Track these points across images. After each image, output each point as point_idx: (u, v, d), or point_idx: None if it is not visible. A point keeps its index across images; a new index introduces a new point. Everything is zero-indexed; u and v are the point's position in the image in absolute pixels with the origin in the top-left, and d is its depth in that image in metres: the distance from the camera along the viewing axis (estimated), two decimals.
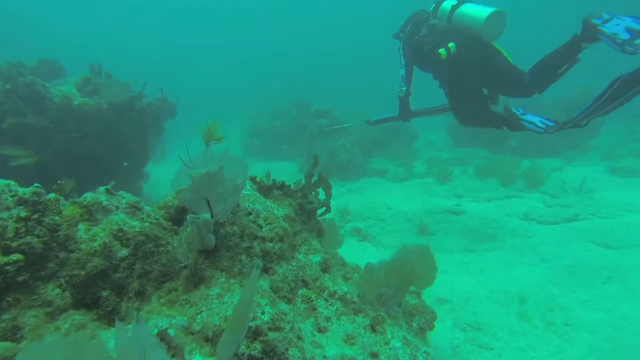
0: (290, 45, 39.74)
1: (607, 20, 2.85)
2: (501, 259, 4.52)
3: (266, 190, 2.73)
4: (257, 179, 2.73)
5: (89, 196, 2.14)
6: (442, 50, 3.82)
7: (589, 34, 2.97)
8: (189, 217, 2.04)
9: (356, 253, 5.06)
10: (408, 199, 6.99)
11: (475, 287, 3.93)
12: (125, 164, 6.04)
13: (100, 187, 2.18)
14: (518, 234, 5.21)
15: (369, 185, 8.13)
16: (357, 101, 12.92)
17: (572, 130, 3.44)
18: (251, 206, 2.48)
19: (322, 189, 2.87)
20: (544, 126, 3.30)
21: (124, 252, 2.00)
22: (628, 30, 2.77)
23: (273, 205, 2.59)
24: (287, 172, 10.22)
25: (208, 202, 2.07)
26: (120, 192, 2.26)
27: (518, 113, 3.50)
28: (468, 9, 3.87)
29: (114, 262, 1.96)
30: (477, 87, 3.90)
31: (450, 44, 3.82)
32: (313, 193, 2.83)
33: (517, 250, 4.72)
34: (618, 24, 2.82)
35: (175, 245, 2.05)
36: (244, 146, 13.62)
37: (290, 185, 2.81)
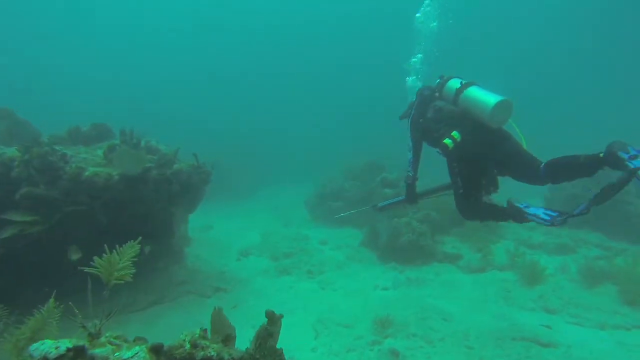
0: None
1: (634, 157, 2.93)
2: None
3: None
4: (166, 348, 1.70)
5: None
6: (447, 141, 3.76)
7: (614, 163, 3.03)
8: None
9: None
10: (476, 305, 5.32)
11: None
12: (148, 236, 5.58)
13: None
14: None
15: (432, 276, 6.54)
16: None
17: None
18: None
19: None
20: (549, 218, 3.25)
21: None
22: None
23: None
24: (349, 244, 9.09)
25: None
26: None
27: (521, 206, 3.45)
28: (474, 94, 3.81)
29: None
30: (484, 171, 3.86)
31: (454, 133, 3.77)
32: None
33: None
34: None
35: None
36: (310, 207, 12.83)
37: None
